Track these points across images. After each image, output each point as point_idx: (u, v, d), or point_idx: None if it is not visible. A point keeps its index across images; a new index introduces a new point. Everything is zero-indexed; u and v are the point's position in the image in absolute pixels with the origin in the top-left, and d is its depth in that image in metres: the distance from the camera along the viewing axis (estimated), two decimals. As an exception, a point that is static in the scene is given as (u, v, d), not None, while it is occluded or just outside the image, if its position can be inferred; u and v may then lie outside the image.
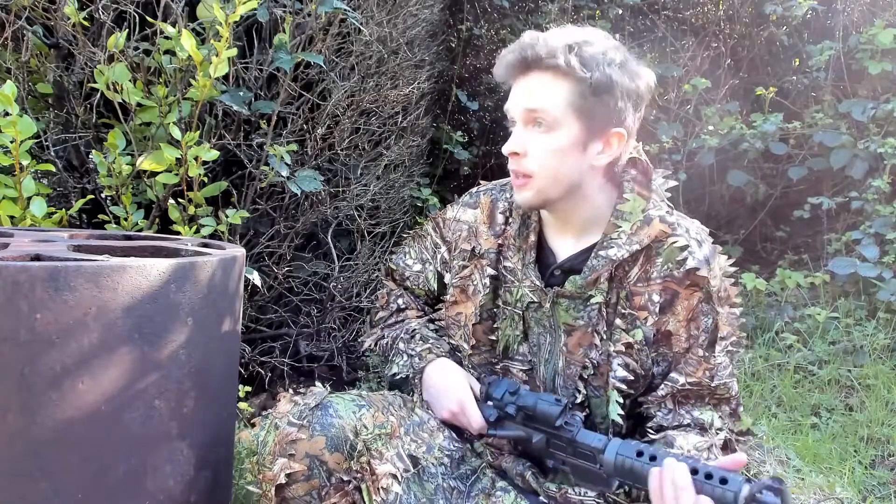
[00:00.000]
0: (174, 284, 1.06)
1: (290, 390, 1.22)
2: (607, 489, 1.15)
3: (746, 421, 1.27)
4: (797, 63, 3.82)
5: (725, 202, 3.66)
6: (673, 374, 1.23)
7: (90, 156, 1.75)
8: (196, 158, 1.59)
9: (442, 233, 1.43)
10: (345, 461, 1.14)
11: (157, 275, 1.04)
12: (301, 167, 2.00)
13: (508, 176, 1.32)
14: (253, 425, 1.87)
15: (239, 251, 1.26)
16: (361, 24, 2.03)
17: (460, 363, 1.36)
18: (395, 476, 1.15)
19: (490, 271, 1.32)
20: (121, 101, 1.61)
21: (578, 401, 1.26)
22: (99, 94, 1.70)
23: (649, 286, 1.22)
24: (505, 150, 1.23)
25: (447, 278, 1.41)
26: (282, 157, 1.79)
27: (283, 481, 1.12)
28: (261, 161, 1.89)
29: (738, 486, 0.96)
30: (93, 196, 1.77)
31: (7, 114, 1.41)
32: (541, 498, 1.24)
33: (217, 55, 1.56)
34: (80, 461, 1.01)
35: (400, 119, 2.44)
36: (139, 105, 1.65)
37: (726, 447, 1.22)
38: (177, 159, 1.58)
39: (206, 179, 1.74)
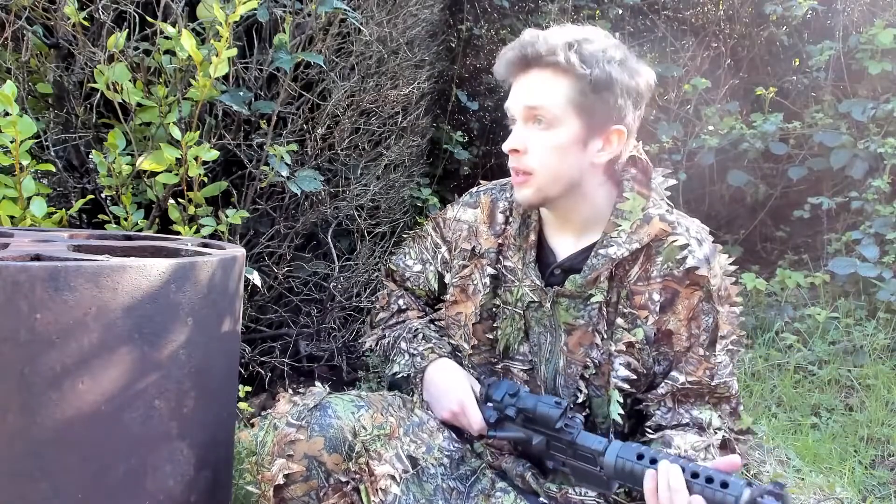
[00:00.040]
0: (174, 284, 1.06)
1: (290, 391, 1.22)
2: (608, 491, 1.15)
3: (746, 420, 1.27)
4: (797, 63, 3.82)
5: (725, 202, 3.66)
6: (673, 373, 1.23)
7: (90, 156, 1.75)
8: (196, 158, 1.59)
9: (442, 233, 1.43)
10: (343, 462, 1.14)
11: (157, 275, 1.04)
12: (301, 167, 2.00)
13: (508, 176, 1.32)
14: (252, 425, 1.87)
15: (239, 251, 1.26)
16: (361, 24, 2.03)
17: (461, 364, 1.36)
18: (393, 477, 1.15)
19: (490, 271, 1.32)
20: (121, 101, 1.61)
21: (580, 400, 1.26)
22: (99, 94, 1.70)
23: (649, 285, 1.22)
24: (505, 147, 1.23)
25: (447, 278, 1.41)
26: (282, 157, 1.79)
27: (282, 482, 1.12)
28: (261, 161, 1.89)
29: (738, 490, 0.96)
30: (93, 196, 1.77)
31: (7, 114, 1.41)
32: (541, 499, 1.24)
33: (217, 55, 1.56)
34: (80, 461, 1.01)
35: (400, 119, 2.44)
36: (139, 105, 1.65)
37: (724, 447, 1.22)
38: (177, 159, 1.58)
39: (206, 179, 1.74)
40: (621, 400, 1.23)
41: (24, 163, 1.47)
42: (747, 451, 1.35)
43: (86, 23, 1.68)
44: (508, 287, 1.31)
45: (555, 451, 1.17)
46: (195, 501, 1.15)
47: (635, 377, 1.23)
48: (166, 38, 1.66)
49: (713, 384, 1.22)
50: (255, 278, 1.72)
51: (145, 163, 1.60)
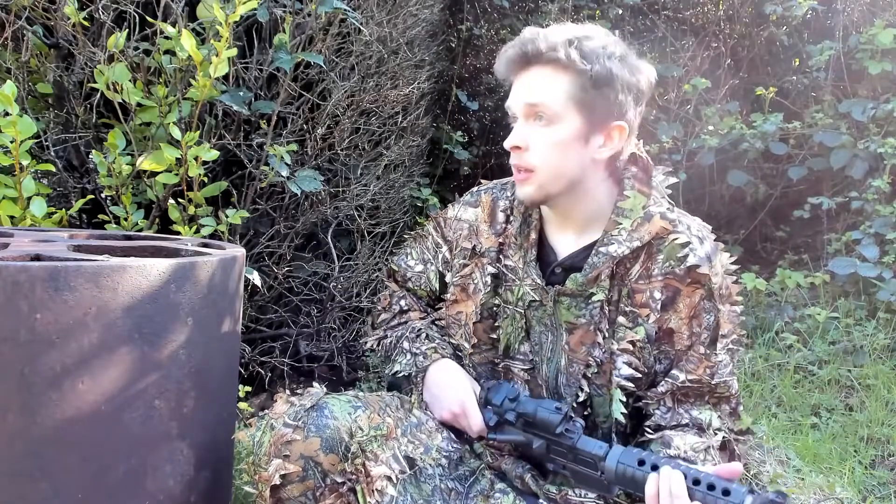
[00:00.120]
0: (174, 284, 1.06)
1: (288, 391, 1.22)
2: (608, 495, 1.15)
3: (746, 420, 1.27)
4: (797, 63, 3.82)
5: (725, 202, 3.66)
6: (674, 371, 1.23)
7: (90, 156, 1.75)
8: (196, 158, 1.59)
9: (443, 232, 1.43)
10: (339, 462, 1.14)
11: (157, 275, 1.04)
12: (301, 167, 2.00)
13: (508, 175, 1.32)
14: (250, 425, 1.87)
15: (239, 251, 1.26)
16: (361, 24, 2.03)
17: (461, 365, 1.36)
18: (389, 478, 1.15)
19: (491, 270, 1.32)
20: (121, 101, 1.61)
21: (581, 399, 1.26)
22: (99, 94, 1.70)
23: (650, 283, 1.22)
24: (506, 144, 1.23)
25: (448, 277, 1.41)
26: (282, 157, 1.79)
27: (278, 482, 1.11)
28: (261, 161, 1.89)
29: (740, 497, 0.95)
30: (93, 196, 1.77)
31: (7, 114, 1.41)
32: (540, 500, 1.24)
33: (217, 55, 1.56)
34: (80, 461, 1.01)
35: (400, 119, 2.44)
36: (139, 105, 1.65)
37: (724, 448, 1.22)
38: (177, 159, 1.58)
39: (206, 179, 1.74)
40: (624, 399, 1.23)
41: (24, 163, 1.47)
42: (747, 452, 1.35)
43: (86, 23, 1.68)
44: (509, 286, 1.31)
45: (555, 455, 1.17)
46: (195, 501, 1.16)
47: (639, 375, 1.23)
48: (166, 38, 1.66)
49: (713, 383, 1.22)
50: (255, 278, 1.72)
51: (145, 163, 1.60)
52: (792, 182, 3.36)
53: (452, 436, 1.29)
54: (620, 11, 3.62)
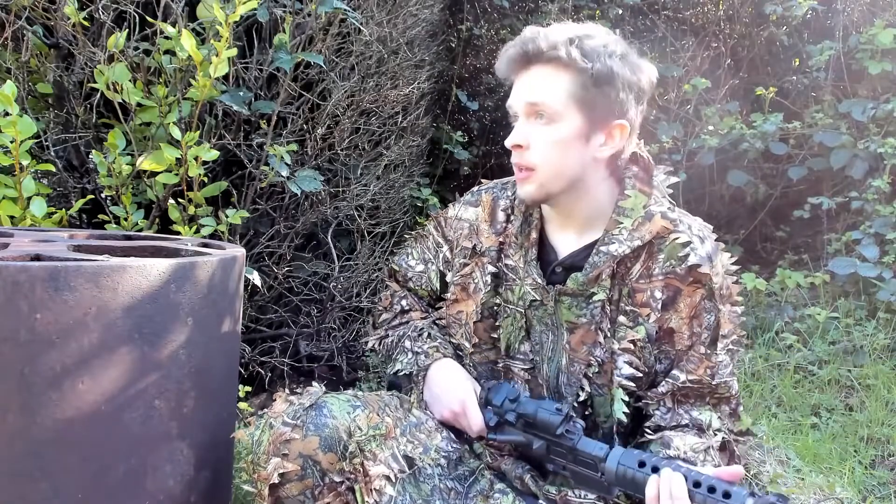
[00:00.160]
0: (174, 284, 1.06)
1: (287, 390, 1.22)
2: (608, 496, 1.15)
3: (746, 420, 1.27)
4: (797, 63, 3.82)
5: (725, 202, 3.66)
6: (674, 371, 1.23)
7: (90, 156, 1.75)
8: (196, 158, 1.59)
9: (444, 231, 1.43)
10: (338, 461, 1.14)
11: (157, 275, 1.04)
12: (301, 167, 2.00)
13: (509, 175, 1.32)
14: (248, 425, 1.87)
15: (239, 251, 1.26)
16: (361, 24, 2.03)
17: (462, 364, 1.36)
18: (388, 477, 1.15)
19: (491, 269, 1.32)
20: (121, 101, 1.61)
21: (581, 399, 1.26)
22: (99, 94, 1.70)
23: (651, 283, 1.22)
24: (507, 142, 1.23)
25: (449, 277, 1.41)
26: (282, 157, 1.79)
27: (277, 481, 1.11)
28: (261, 161, 1.89)
29: (741, 500, 0.95)
30: (93, 196, 1.77)
31: (7, 114, 1.41)
32: (540, 501, 1.24)
33: (217, 55, 1.56)
34: (80, 461, 1.01)
35: (400, 119, 2.43)
36: (139, 105, 1.65)
37: (724, 449, 1.22)
38: (177, 159, 1.58)
39: (206, 179, 1.74)
40: (626, 398, 1.23)
41: (24, 163, 1.47)
42: (747, 452, 1.35)
43: (86, 23, 1.68)
44: (510, 285, 1.31)
45: (555, 456, 1.17)
46: (195, 501, 1.16)
47: (639, 375, 1.23)
48: (166, 38, 1.66)
49: (714, 383, 1.22)
50: (255, 278, 1.72)
51: (145, 163, 1.60)
52: (792, 182, 3.36)
53: (452, 436, 1.29)
54: (620, 11, 3.62)
